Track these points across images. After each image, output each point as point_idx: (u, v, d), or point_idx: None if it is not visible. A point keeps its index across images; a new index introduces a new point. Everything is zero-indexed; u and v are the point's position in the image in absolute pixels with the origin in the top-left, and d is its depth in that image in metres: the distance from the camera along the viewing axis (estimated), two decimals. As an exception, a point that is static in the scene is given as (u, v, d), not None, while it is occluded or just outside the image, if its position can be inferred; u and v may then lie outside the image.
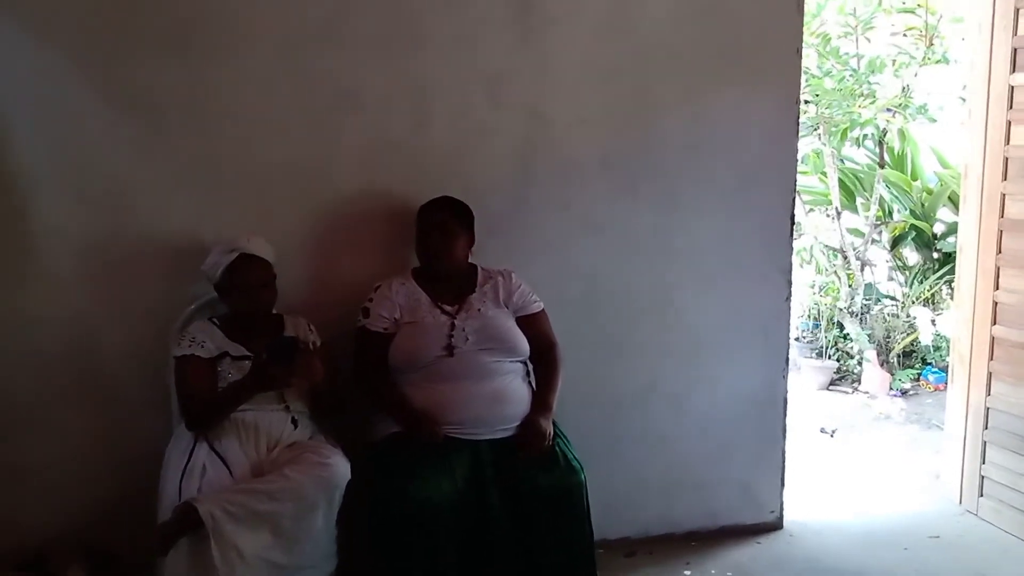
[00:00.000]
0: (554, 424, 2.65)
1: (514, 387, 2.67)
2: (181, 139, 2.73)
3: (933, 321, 5.86)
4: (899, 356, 5.97)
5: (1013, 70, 3.29)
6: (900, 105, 5.82)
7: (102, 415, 2.78)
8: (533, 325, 2.79)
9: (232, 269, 2.52)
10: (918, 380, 5.85)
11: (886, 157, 6.32)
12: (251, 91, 2.76)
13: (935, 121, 5.99)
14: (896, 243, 6.50)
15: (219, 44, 2.72)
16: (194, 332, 2.53)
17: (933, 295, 6.20)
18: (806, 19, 3.23)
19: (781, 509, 3.46)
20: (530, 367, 2.80)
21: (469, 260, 2.81)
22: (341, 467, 2.39)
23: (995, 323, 3.46)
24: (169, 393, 2.62)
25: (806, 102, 5.54)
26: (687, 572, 3.11)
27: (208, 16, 2.70)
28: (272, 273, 2.59)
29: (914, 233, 6.38)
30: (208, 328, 2.56)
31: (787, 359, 3.39)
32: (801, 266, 6.41)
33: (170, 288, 2.75)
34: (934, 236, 6.36)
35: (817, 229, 6.64)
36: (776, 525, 3.44)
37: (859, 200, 6.60)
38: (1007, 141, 3.34)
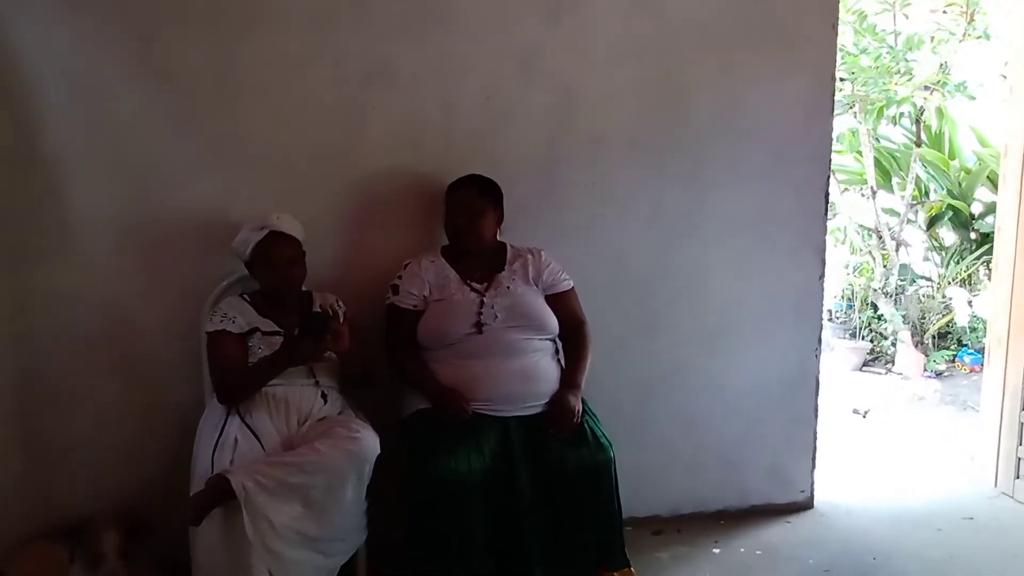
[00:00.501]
0: (583, 402, 2.64)
1: (543, 364, 2.67)
2: (212, 118, 2.75)
3: (970, 302, 5.79)
4: (934, 337, 5.91)
5: (1056, 45, 3.22)
6: (938, 82, 5.72)
7: (137, 389, 2.82)
8: (562, 303, 2.78)
9: (262, 246, 2.54)
10: (953, 361, 5.79)
11: (923, 136, 6.23)
12: (281, 69, 2.76)
13: (974, 99, 5.88)
14: (932, 223, 6.41)
15: (249, 22, 2.73)
16: (225, 308, 2.56)
17: (970, 275, 6.12)
18: (842, -5, 3.18)
19: (812, 489, 3.44)
20: (559, 345, 2.80)
21: (498, 238, 2.81)
22: (370, 441, 2.40)
23: (1033, 303, 3.40)
24: (202, 368, 2.66)
25: (841, 80, 5.46)
26: (716, 550, 3.10)
27: (239, -6, 2.72)
28: (301, 251, 2.60)
29: (951, 213, 6.29)
30: (239, 304, 2.58)
31: (820, 339, 3.36)
32: (835, 246, 6.35)
33: (202, 265, 2.77)
34: (971, 216, 6.27)
35: (852, 208, 6.56)
36: (807, 505, 3.43)
37: (895, 179, 6.52)
38: (1049, 118, 3.27)
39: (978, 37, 5.76)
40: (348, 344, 2.44)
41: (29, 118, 2.62)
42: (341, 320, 2.51)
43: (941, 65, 5.69)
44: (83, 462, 2.81)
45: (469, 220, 2.70)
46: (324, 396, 2.54)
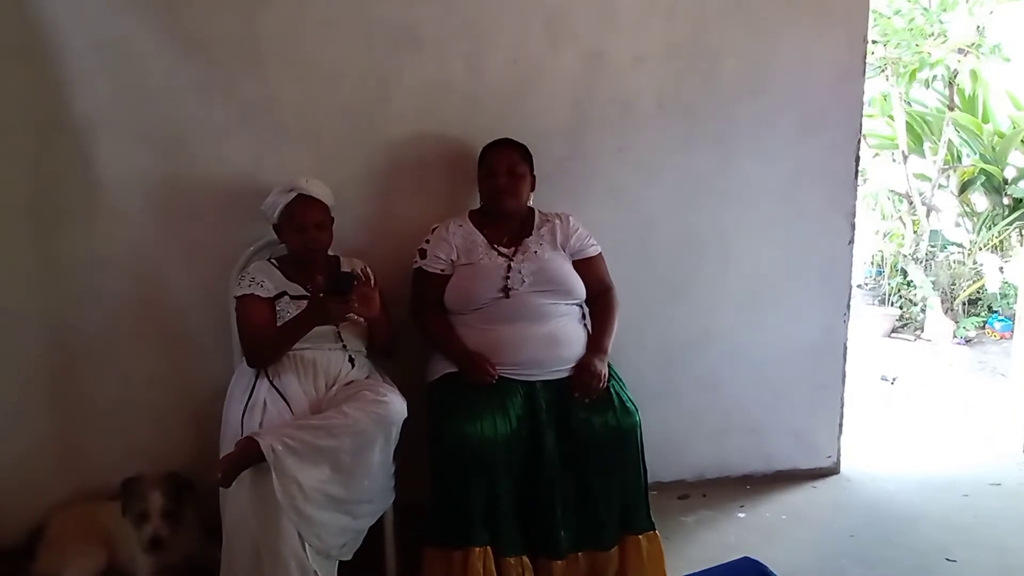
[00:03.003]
0: (609, 367, 2.64)
1: (570, 329, 2.67)
2: (240, 82, 2.75)
3: (1001, 268, 5.72)
4: (964, 304, 5.86)
5: (1095, 4, 3.15)
6: (973, 45, 5.60)
7: (167, 353, 2.86)
8: (590, 268, 2.77)
9: (289, 209, 2.55)
10: (983, 328, 5.73)
11: (956, 99, 6.12)
12: (308, 34, 2.76)
13: (1009, 61, 5.76)
14: (964, 188, 6.33)
15: (277, -14, 2.72)
16: (253, 272, 2.58)
17: (1001, 241, 6.04)
18: (876, -46, 3.11)
19: (838, 455, 3.44)
20: (586, 310, 2.80)
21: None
22: (398, 405, 2.41)
23: (1067, 269, 3.35)
24: (231, 331, 2.68)
25: (873, 42, 5.37)
26: (741, 515, 3.11)
27: (265, -43, 2.70)
28: (329, 215, 2.61)
29: (983, 178, 6.20)
30: (267, 268, 2.60)
31: (848, 304, 3.33)
32: (866, 212, 6.29)
33: (230, 230, 2.79)
34: (1005, 181, 6.18)
35: (882, 174, 6.49)
36: (833, 470, 3.43)
37: (927, 144, 6.43)
38: (1086, 79, 3.20)
39: (1015, -2, 5.64)
40: (377, 310, 2.45)
41: (58, 85, 2.63)
42: (372, 285, 2.52)
43: (976, 27, 5.57)
44: (113, 424, 2.85)
45: (511, 181, 2.70)
46: (351, 360, 2.56)
